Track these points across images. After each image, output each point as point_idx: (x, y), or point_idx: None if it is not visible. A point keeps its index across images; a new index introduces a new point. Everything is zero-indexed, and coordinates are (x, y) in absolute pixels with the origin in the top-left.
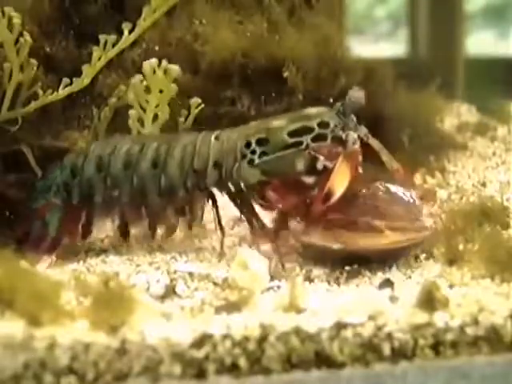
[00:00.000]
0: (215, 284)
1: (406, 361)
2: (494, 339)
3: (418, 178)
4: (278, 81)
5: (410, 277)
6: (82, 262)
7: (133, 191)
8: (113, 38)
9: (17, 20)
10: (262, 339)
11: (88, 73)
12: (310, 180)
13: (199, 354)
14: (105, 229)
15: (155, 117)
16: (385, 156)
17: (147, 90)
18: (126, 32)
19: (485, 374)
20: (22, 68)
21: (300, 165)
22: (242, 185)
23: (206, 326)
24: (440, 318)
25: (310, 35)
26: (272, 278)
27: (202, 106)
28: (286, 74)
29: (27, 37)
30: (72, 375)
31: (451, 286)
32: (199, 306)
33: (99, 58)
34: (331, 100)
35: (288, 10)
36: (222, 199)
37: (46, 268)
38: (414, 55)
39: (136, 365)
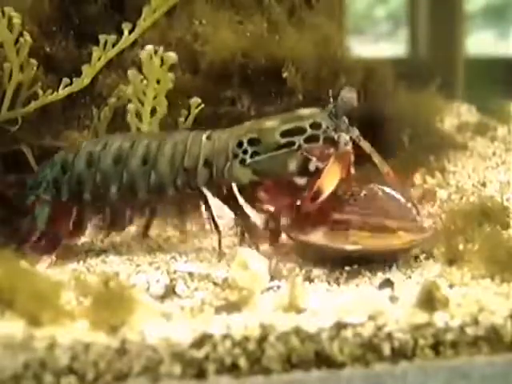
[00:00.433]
0: (215, 284)
1: (405, 361)
2: (494, 339)
3: (417, 178)
4: (277, 81)
5: (409, 277)
6: (81, 261)
7: (122, 187)
8: (113, 38)
9: (17, 20)
10: (262, 339)
11: (88, 73)
12: (301, 181)
13: (199, 353)
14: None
15: (153, 111)
16: (376, 158)
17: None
18: (125, 32)
19: (485, 374)
20: (22, 68)
21: (292, 165)
22: (234, 185)
23: (206, 325)
24: (440, 318)
25: (309, 35)
26: (272, 278)
27: (202, 106)
28: (285, 75)
29: (27, 37)
30: (72, 375)
31: (451, 286)
32: (199, 306)
33: (99, 58)
34: (331, 100)
35: (288, 10)
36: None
37: (46, 268)
38: (414, 55)
39: (136, 365)
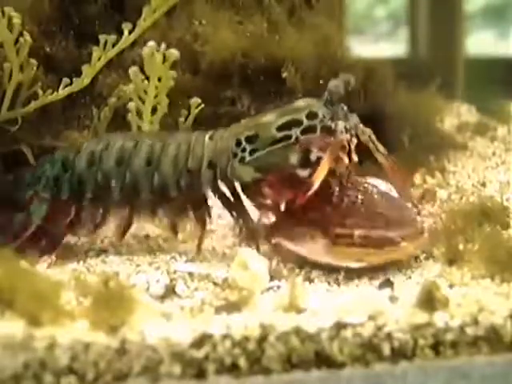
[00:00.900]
0: (215, 284)
1: (405, 361)
2: (494, 339)
3: (417, 178)
4: (278, 81)
5: (410, 277)
6: (81, 262)
7: (125, 188)
8: (113, 38)
9: (17, 20)
10: (262, 339)
11: (88, 73)
12: (305, 173)
13: (199, 354)
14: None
15: (154, 109)
16: (377, 147)
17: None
18: (126, 32)
19: (485, 373)
20: (21, 68)
21: (293, 158)
22: (237, 184)
23: (205, 326)
24: (440, 318)
25: (310, 35)
26: (272, 278)
27: (202, 106)
28: (284, 75)
29: (27, 37)
30: (72, 375)
31: (451, 286)
32: (199, 306)
33: (99, 58)
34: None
35: (288, 9)
36: None
37: (46, 268)
38: (414, 55)
39: (136, 365)
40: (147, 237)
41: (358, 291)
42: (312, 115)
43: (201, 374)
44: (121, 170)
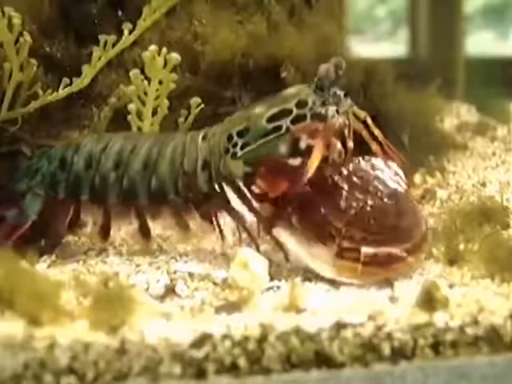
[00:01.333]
0: (215, 284)
1: (405, 361)
2: (493, 339)
3: (418, 178)
4: (277, 80)
5: (410, 277)
6: (81, 262)
7: (122, 191)
8: (113, 38)
9: (17, 20)
10: (262, 339)
11: (88, 73)
12: (296, 162)
13: (199, 353)
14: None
15: (154, 111)
16: (372, 142)
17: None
18: (126, 32)
19: (485, 374)
20: (21, 68)
21: (283, 148)
22: (238, 181)
23: (205, 326)
24: (440, 318)
25: (309, 35)
26: (272, 278)
27: (202, 106)
28: (283, 74)
29: (27, 37)
30: (72, 375)
31: (451, 286)
32: (199, 306)
33: (99, 58)
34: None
35: (288, 10)
36: None
37: (46, 268)
38: (415, 55)
39: (136, 365)
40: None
41: (358, 291)
42: (302, 103)
43: (201, 373)
44: (118, 174)
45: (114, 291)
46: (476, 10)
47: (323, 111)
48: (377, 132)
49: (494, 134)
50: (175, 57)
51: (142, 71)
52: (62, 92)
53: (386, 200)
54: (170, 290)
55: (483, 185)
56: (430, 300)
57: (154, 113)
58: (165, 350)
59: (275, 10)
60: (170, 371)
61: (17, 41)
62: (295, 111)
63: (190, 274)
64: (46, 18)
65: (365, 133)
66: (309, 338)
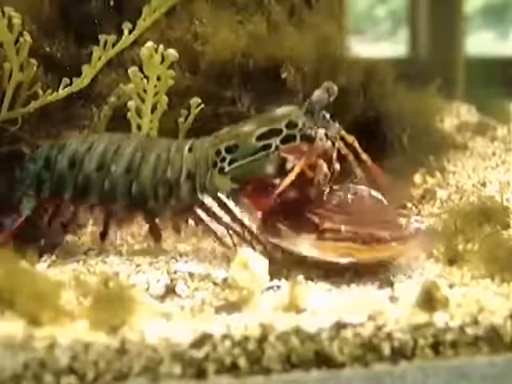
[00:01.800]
0: (215, 284)
1: (405, 361)
2: (494, 339)
3: (418, 178)
4: (278, 80)
5: (410, 277)
6: (81, 262)
7: (102, 193)
8: (113, 38)
9: (17, 20)
10: (262, 339)
11: (88, 73)
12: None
13: (199, 353)
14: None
15: (154, 108)
16: (357, 168)
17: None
18: (126, 32)
19: (485, 374)
20: (22, 68)
21: (270, 168)
22: (220, 195)
23: (206, 326)
24: (440, 318)
25: (309, 35)
26: (272, 278)
27: (202, 106)
28: (284, 75)
29: (27, 37)
30: (72, 375)
31: (451, 286)
32: (199, 306)
33: (99, 58)
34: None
35: (288, 9)
36: None
37: (46, 268)
38: (415, 55)
39: (136, 365)
40: (147, 237)
41: (358, 291)
42: (292, 125)
43: (201, 373)
44: (100, 175)
45: (114, 291)
46: (476, 10)
47: (313, 133)
48: (365, 157)
49: (494, 134)
50: (172, 53)
51: (141, 69)
52: (62, 92)
53: (364, 197)
54: (170, 290)
55: (483, 185)
56: (429, 300)
57: (154, 110)
58: (165, 350)
59: (275, 10)
60: (170, 371)
61: (17, 41)
62: (285, 131)
63: (190, 274)
64: (46, 17)
65: (351, 157)
66: (309, 338)
